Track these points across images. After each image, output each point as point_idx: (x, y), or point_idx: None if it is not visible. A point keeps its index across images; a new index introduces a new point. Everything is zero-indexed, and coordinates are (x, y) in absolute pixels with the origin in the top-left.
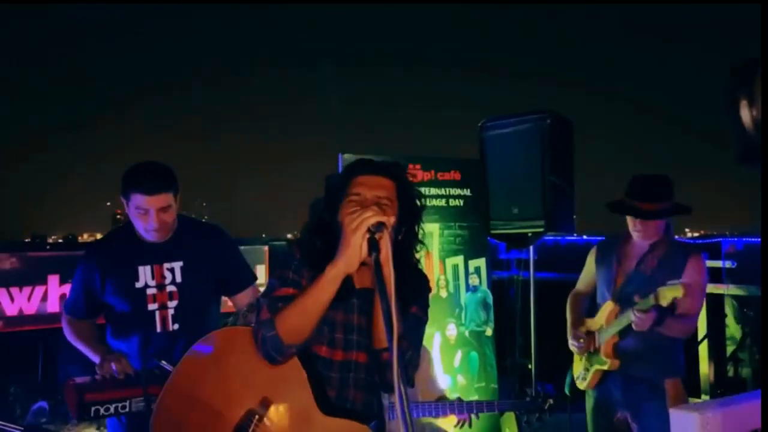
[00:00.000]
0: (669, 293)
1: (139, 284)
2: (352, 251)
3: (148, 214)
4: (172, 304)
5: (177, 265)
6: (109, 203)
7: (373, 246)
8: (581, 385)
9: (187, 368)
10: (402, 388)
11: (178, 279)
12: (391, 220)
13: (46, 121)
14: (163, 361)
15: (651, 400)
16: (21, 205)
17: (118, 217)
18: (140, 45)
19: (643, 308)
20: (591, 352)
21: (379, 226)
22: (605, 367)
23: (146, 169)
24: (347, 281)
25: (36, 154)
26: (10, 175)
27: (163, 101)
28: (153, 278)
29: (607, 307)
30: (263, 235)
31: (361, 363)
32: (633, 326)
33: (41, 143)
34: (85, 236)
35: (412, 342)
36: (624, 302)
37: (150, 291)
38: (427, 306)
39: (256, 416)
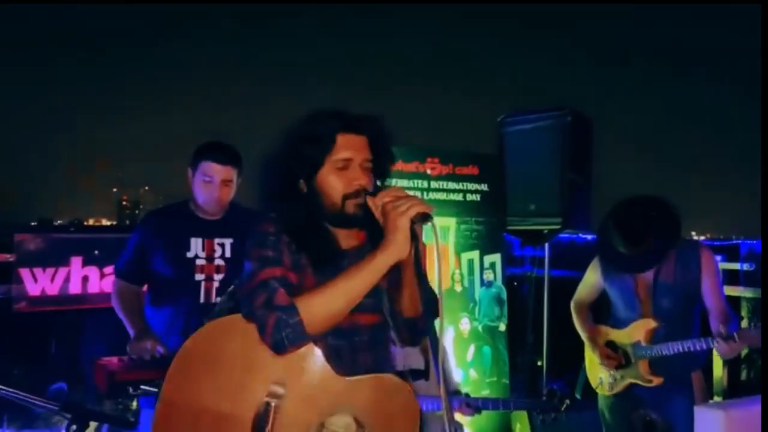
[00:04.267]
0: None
1: (189, 254)
2: (403, 237)
3: (212, 183)
4: (218, 277)
5: (228, 242)
6: (115, 189)
7: (412, 236)
8: (603, 390)
9: (178, 378)
10: (446, 400)
11: (228, 254)
12: (431, 209)
13: (53, 105)
14: None
15: (679, 392)
16: (26, 190)
17: (124, 203)
18: (148, 30)
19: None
20: (621, 365)
21: (425, 217)
22: (649, 385)
23: (219, 143)
24: (331, 244)
25: (41, 138)
26: (15, 159)
27: (172, 86)
28: (204, 250)
29: (645, 324)
30: None
31: (366, 324)
32: (719, 355)
33: (46, 127)
34: (91, 221)
35: (425, 304)
36: (665, 318)
37: (199, 262)
38: None
39: (272, 404)
